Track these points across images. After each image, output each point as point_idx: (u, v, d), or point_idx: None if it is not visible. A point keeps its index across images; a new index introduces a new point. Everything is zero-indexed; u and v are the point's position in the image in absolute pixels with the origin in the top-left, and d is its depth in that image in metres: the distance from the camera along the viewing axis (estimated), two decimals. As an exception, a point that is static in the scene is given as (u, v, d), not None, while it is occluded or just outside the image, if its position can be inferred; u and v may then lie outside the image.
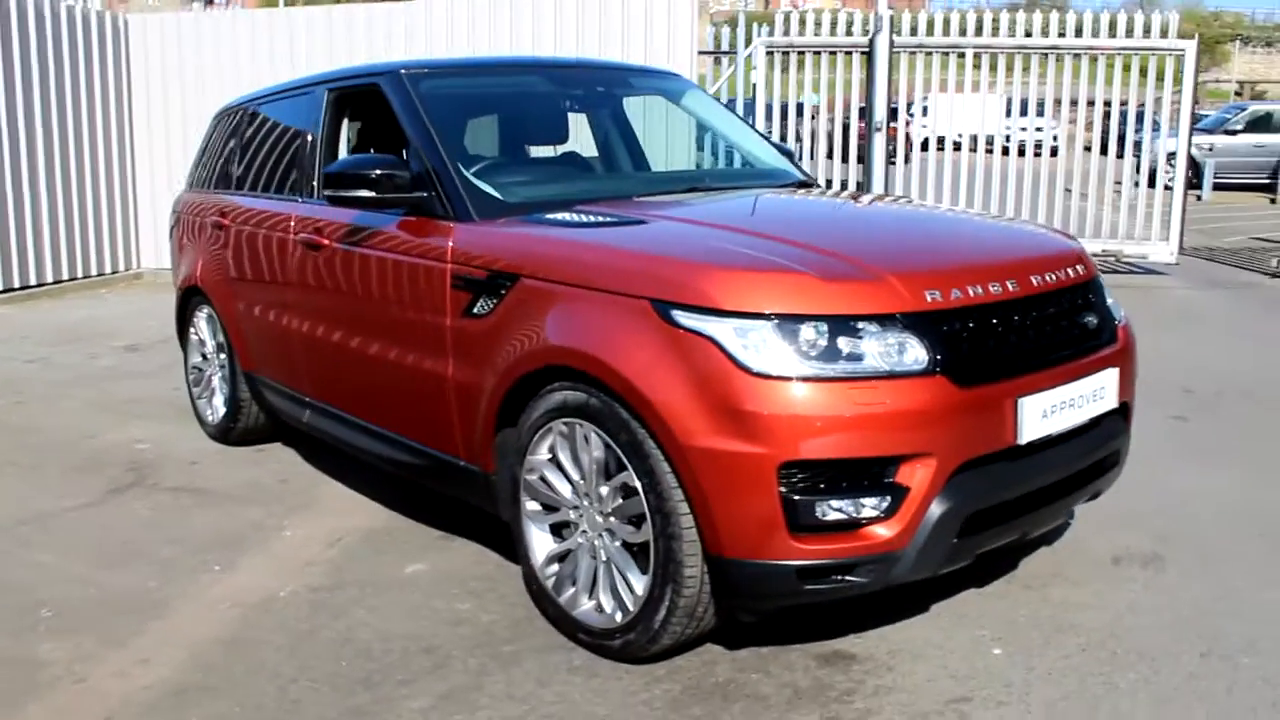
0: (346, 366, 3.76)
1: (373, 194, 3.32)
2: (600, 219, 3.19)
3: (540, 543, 3.06)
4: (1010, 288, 2.78)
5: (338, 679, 2.83)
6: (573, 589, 2.96)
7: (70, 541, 3.84)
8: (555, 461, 2.95)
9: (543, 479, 3.00)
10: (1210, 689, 2.66)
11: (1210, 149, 18.05)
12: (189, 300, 5.04)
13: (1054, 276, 2.92)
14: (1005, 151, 10.87)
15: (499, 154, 3.99)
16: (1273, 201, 17.40)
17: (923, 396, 2.53)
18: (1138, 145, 10.93)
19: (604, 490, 2.82)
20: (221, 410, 4.85)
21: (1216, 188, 17.62)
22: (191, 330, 5.07)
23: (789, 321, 2.52)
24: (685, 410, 2.54)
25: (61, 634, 3.12)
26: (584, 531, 2.91)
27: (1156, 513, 3.77)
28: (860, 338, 2.54)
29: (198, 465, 4.70)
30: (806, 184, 4.20)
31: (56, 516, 4.09)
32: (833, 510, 2.52)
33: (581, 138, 4.54)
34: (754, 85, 10.12)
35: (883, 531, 2.54)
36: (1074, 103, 11.51)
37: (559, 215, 3.22)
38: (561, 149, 4.32)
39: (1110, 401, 2.99)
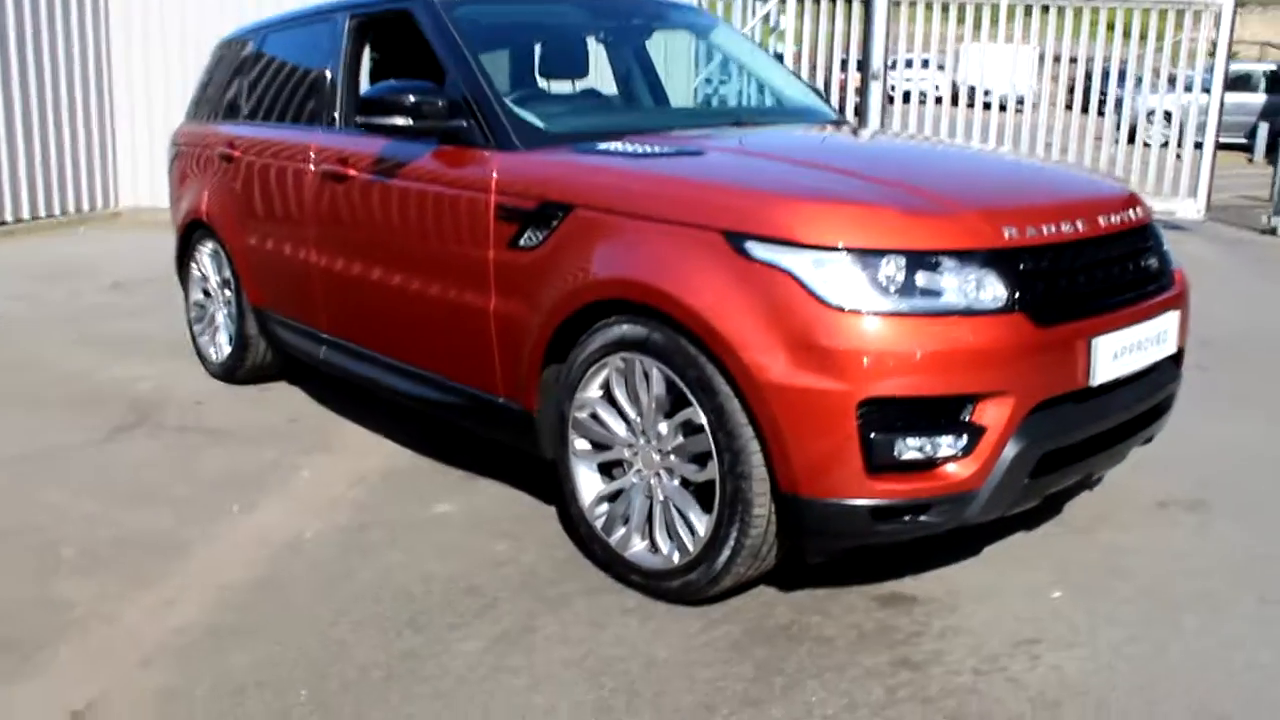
0: (371, 301, 3.62)
1: (409, 122, 3.17)
2: (657, 149, 3.06)
3: (589, 483, 2.96)
4: (1080, 227, 2.70)
5: (382, 621, 2.73)
6: (624, 529, 2.88)
7: (80, 479, 3.70)
8: (609, 398, 2.85)
9: (594, 416, 2.90)
10: (1275, 635, 2.63)
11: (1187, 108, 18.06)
12: (191, 234, 4.85)
13: (1119, 218, 2.85)
14: (986, 106, 10.81)
15: (532, 84, 3.84)
16: (1250, 160, 17.49)
17: (1002, 335, 2.46)
18: (1119, 102, 10.93)
19: (663, 428, 2.73)
20: (226, 348, 4.69)
21: (1195, 146, 17.66)
22: (193, 265, 4.89)
23: (870, 255, 2.42)
24: (760, 345, 2.44)
25: (84, 573, 2.99)
26: (638, 470, 2.82)
27: (1194, 459, 3.74)
28: (940, 273, 2.45)
29: (203, 404, 4.55)
30: (839, 122, 4.10)
31: (62, 454, 3.94)
32: (910, 449, 2.44)
33: (603, 71, 4.40)
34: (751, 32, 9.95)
35: (958, 471, 2.47)
36: (1075, 59, 11.46)
37: (611, 145, 3.09)
38: (585, 82, 4.17)
39: (1171, 346, 2.94)
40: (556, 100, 3.85)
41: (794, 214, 2.48)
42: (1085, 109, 11.15)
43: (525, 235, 2.99)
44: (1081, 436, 2.68)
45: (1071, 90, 12.41)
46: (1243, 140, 18.20)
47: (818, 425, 2.41)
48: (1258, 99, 19.02)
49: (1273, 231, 9.68)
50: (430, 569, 3.01)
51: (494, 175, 3.08)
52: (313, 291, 3.93)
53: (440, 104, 3.19)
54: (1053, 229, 2.63)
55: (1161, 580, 2.90)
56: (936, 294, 2.44)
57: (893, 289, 2.42)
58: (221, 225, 4.51)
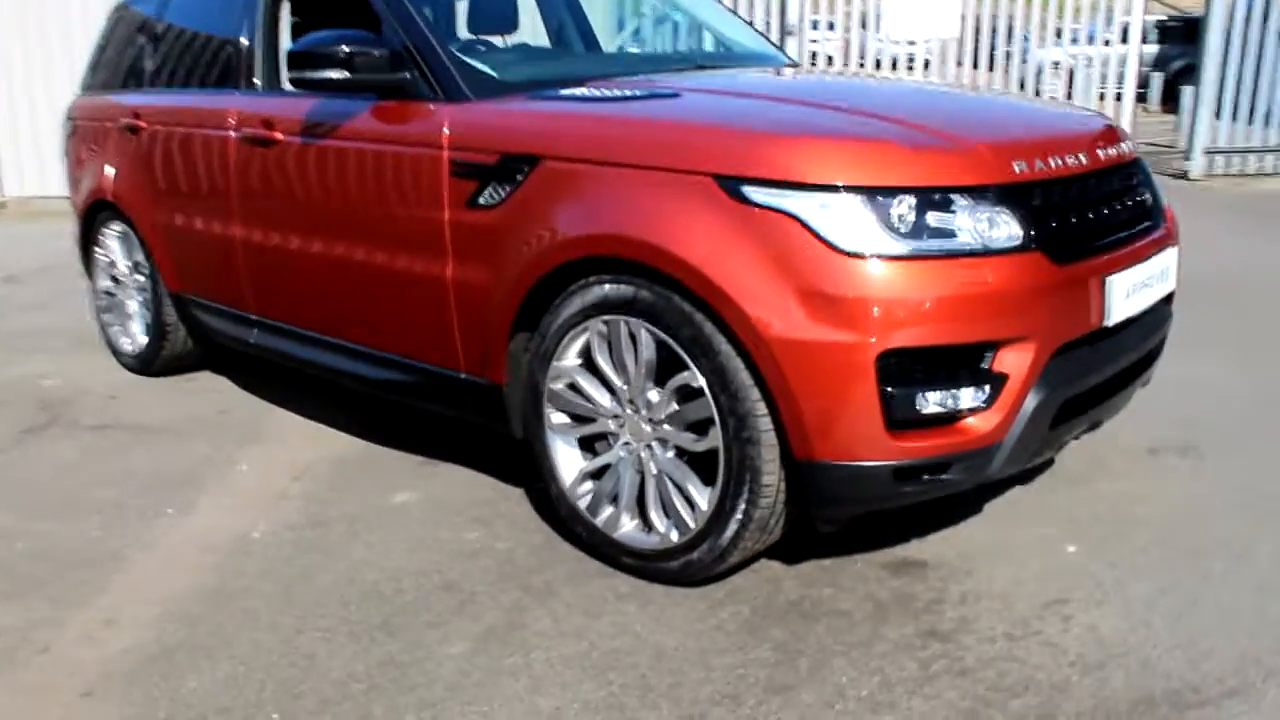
0: (309, 277, 3.30)
1: (345, 75, 2.86)
2: (629, 93, 2.81)
3: (569, 460, 2.72)
4: (1084, 160, 2.54)
5: (353, 626, 2.46)
6: (612, 509, 2.65)
7: (-12, 490, 3.32)
8: (590, 366, 2.61)
9: (573, 387, 2.65)
10: (1299, 574, 2.54)
11: (1089, 61, 18.40)
12: (95, 217, 4.42)
13: (1115, 151, 2.70)
14: (878, 65, 10.73)
15: (469, 34, 3.55)
16: (1146, 111, 17.89)
17: (1022, 275, 2.29)
18: (1008, 57, 10.97)
19: (653, 395, 2.50)
20: (142, 337, 4.29)
21: (1115, 98, 18.02)
22: (99, 250, 4.47)
23: (881, 194, 2.22)
24: (766, 298, 2.22)
25: (5, 597, 2.65)
26: (626, 444, 2.59)
27: (1172, 402, 3.66)
28: (954, 212, 2.26)
29: (118, 399, 4.16)
30: (796, 65, 3.90)
31: (-36, 464, 3.55)
32: (932, 403, 2.26)
33: (533, 27, 4.14)
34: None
35: (980, 424, 2.30)
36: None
37: (576, 91, 2.83)
38: (515, 37, 3.90)
39: (1171, 283, 2.81)
40: (501, 51, 3.57)
41: (796, 153, 2.27)
42: (975, 64, 11.14)
43: (485, 193, 2.72)
44: (1097, 381, 2.53)
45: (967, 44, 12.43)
46: (1138, 90, 18.60)
47: (835, 382, 2.21)
48: (1150, 49, 19.47)
49: (1184, 175, 9.83)
50: (398, 565, 2.74)
51: (445, 129, 2.79)
52: (240, 271, 3.59)
53: (379, 54, 2.88)
54: (1060, 162, 2.46)
55: (1174, 528, 2.78)
56: (952, 234, 2.25)
57: (908, 230, 2.22)
58: (130, 204, 4.11)
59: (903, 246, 2.21)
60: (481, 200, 2.73)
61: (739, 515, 2.37)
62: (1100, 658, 2.21)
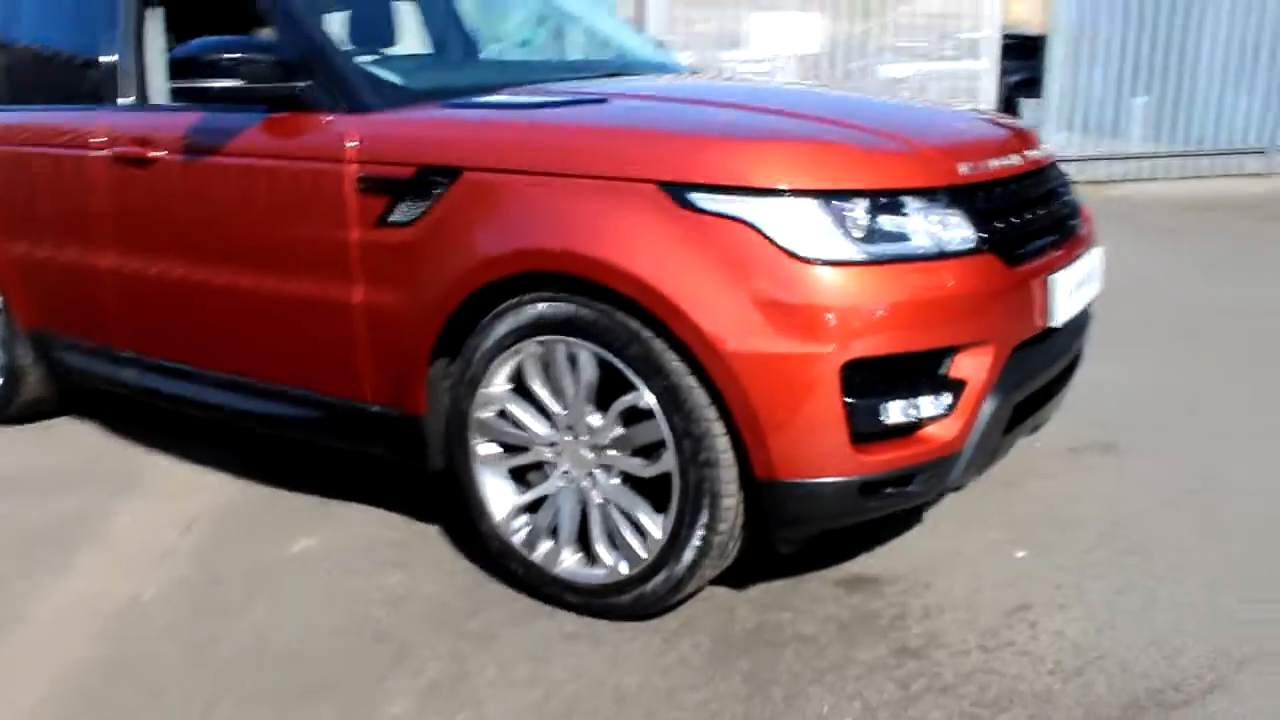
0: (193, 307, 3.01)
1: (235, 84, 2.62)
2: (553, 100, 2.65)
3: (500, 493, 2.53)
4: (1017, 161, 2.52)
5: (275, 692, 2.21)
6: (551, 543, 2.47)
7: None
8: (522, 391, 2.43)
9: (503, 415, 2.47)
10: (1244, 572, 2.55)
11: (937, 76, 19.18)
12: (-72, 249, 3.96)
13: (1038, 153, 2.70)
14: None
15: (363, 43, 3.32)
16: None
17: (977, 278, 2.23)
18: (858, 73, 11.23)
19: (595, 420, 2.34)
20: (-10, 383, 3.87)
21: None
22: (-66, 288, 4.01)
23: (837, 198, 2.13)
24: (720, 310, 2.10)
25: None
26: (565, 472, 2.42)
27: (1081, 401, 3.71)
28: (908, 215, 2.19)
29: (-35, 453, 3.74)
30: (700, 73, 3.81)
31: None
32: (895, 413, 2.17)
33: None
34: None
35: (941, 432, 2.23)
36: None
37: (494, 99, 2.66)
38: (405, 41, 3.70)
39: (1099, 283, 2.82)
40: (399, 59, 3.36)
41: (747, 156, 2.16)
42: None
43: (398, 209, 2.51)
44: (1041, 383, 2.51)
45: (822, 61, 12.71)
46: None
47: (797, 396, 2.10)
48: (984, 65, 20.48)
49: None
50: (313, 620, 2.49)
51: (350, 142, 2.57)
52: (110, 304, 3.25)
53: (270, 61, 2.65)
54: (997, 163, 2.43)
55: (1113, 527, 2.78)
56: (907, 238, 2.18)
57: (864, 235, 2.14)
58: (-28, 234, 3.70)
59: (861, 251, 2.12)
60: (394, 218, 2.52)
61: (696, 541, 2.24)
62: (1077, 663, 2.16)
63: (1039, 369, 2.47)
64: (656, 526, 2.29)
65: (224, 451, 3.53)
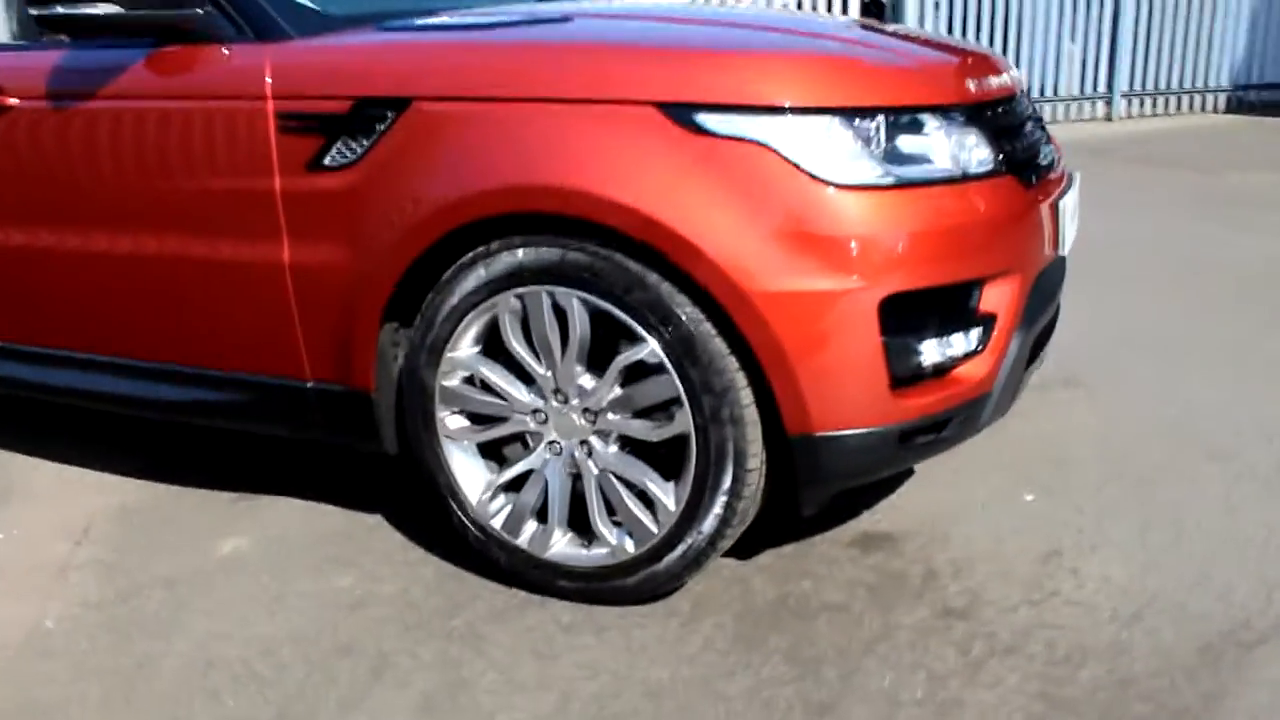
0: (74, 282, 2.54)
1: (115, 10, 2.19)
2: (509, 19, 2.30)
3: (472, 472, 2.22)
4: (1007, 81, 2.34)
5: (234, 725, 1.86)
6: (537, 525, 2.18)
7: None
8: (496, 353, 2.12)
9: (473, 381, 2.15)
10: (1254, 490, 2.47)
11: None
12: None
13: (1013, 77, 2.53)
14: None
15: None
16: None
17: (1001, 201, 2.04)
18: None
19: (586, 381, 2.05)
20: None
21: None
22: None
23: (861, 116, 1.89)
24: (742, 245, 1.84)
25: None
26: (552, 443, 2.12)
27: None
28: (928, 135, 1.97)
29: None
30: None
31: None
32: (933, 352, 1.97)
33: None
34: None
35: (973, 371, 2.04)
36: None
37: (439, 20, 2.30)
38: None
39: (1079, 212, 2.69)
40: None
41: (759, 71, 1.89)
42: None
43: (333, 151, 2.14)
44: (1049, 317, 2.36)
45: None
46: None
47: (835, 339, 1.86)
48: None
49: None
50: (263, 632, 2.13)
51: (267, 74, 2.18)
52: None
53: (159, -18, 2.22)
54: (996, 82, 2.24)
55: (1109, 461, 2.68)
56: (930, 160, 1.96)
57: (889, 157, 1.91)
58: None
59: (889, 175, 1.89)
60: (328, 161, 2.15)
61: (718, 509, 1.98)
62: (1133, 609, 2.02)
63: (1049, 301, 2.32)
64: (669, 496, 2.02)
65: (113, 446, 3.07)
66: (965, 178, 1.99)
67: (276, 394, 2.38)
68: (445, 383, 2.16)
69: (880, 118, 1.91)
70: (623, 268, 1.92)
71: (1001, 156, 2.08)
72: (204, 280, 2.35)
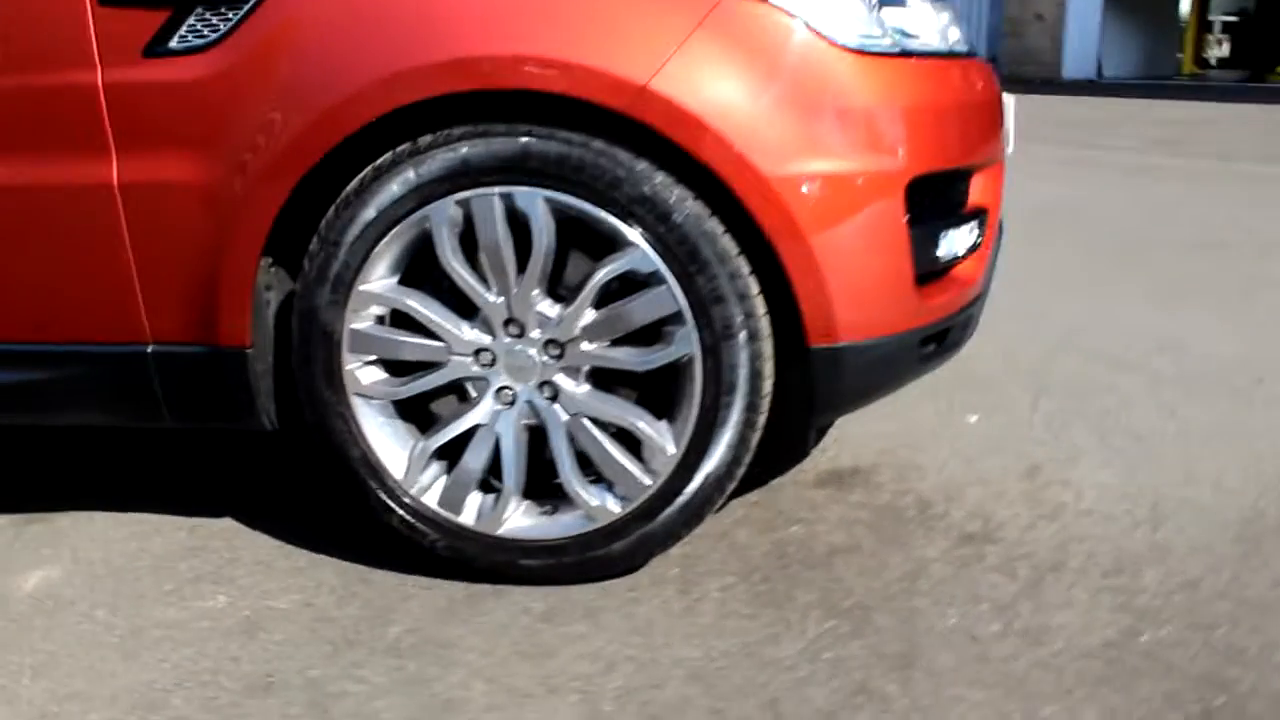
0: None
1: None
2: None
3: (394, 437, 1.76)
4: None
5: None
6: (480, 495, 1.76)
7: None
8: (418, 282, 1.69)
9: (392, 319, 1.70)
10: (1188, 372, 2.47)
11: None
12: None
13: None
14: None
15: None
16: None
17: (983, 84, 1.87)
18: None
19: (548, 307, 1.65)
20: None
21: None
22: None
23: (861, -26, 1.63)
24: (756, 120, 1.52)
25: None
26: (503, 389, 1.71)
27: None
28: (908, 5, 1.75)
29: None
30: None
31: None
32: (946, 245, 1.75)
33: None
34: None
35: (971, 271, 1.86)
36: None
37: None
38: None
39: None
40: None
41: (766, -86, 1.58)
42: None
43: (184, 27, 1.61)
44: (993, 220, 2.22)
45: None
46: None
47: (864, 227, 1.59)
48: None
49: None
50: (131, 682, 1.56)
51: (76, -79, 1.61)
52: None
53: None
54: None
55: (1031, 377, 2.62)
56: (921, 33, 1.74)
57: (891, 25, 1.67)
58: None
59: (896, 43, 1.65)
60: (174, 43, 1.62)
61: (726, 447, 1.65)
62: (1145, 512, 1.91)
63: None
64: (665, 437, 1.67)
65: None
66: (951, 54, 1.80)
67: (107, 366, 1.79)
68: (355, 325, 1.69)
69: (879, -19, 1.66)
70: (605, 155, 1.55)
71: (963, 36, 1.90)
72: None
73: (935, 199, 1.71)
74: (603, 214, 1.58)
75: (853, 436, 2.28)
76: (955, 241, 1.77)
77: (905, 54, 1.66)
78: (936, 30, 1.77)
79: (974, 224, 1.82)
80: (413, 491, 1.75)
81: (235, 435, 2.54)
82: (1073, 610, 1.60)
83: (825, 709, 1.41)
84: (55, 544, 1.99)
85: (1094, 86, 14.27)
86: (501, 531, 1.74)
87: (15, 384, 1.83)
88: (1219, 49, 16.81)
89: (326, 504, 2.11)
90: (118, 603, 1.78)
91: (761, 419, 1.67)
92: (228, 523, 2.04)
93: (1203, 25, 15.53)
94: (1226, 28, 17.20)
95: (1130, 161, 6.44)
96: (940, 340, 1.79)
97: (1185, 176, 6.00)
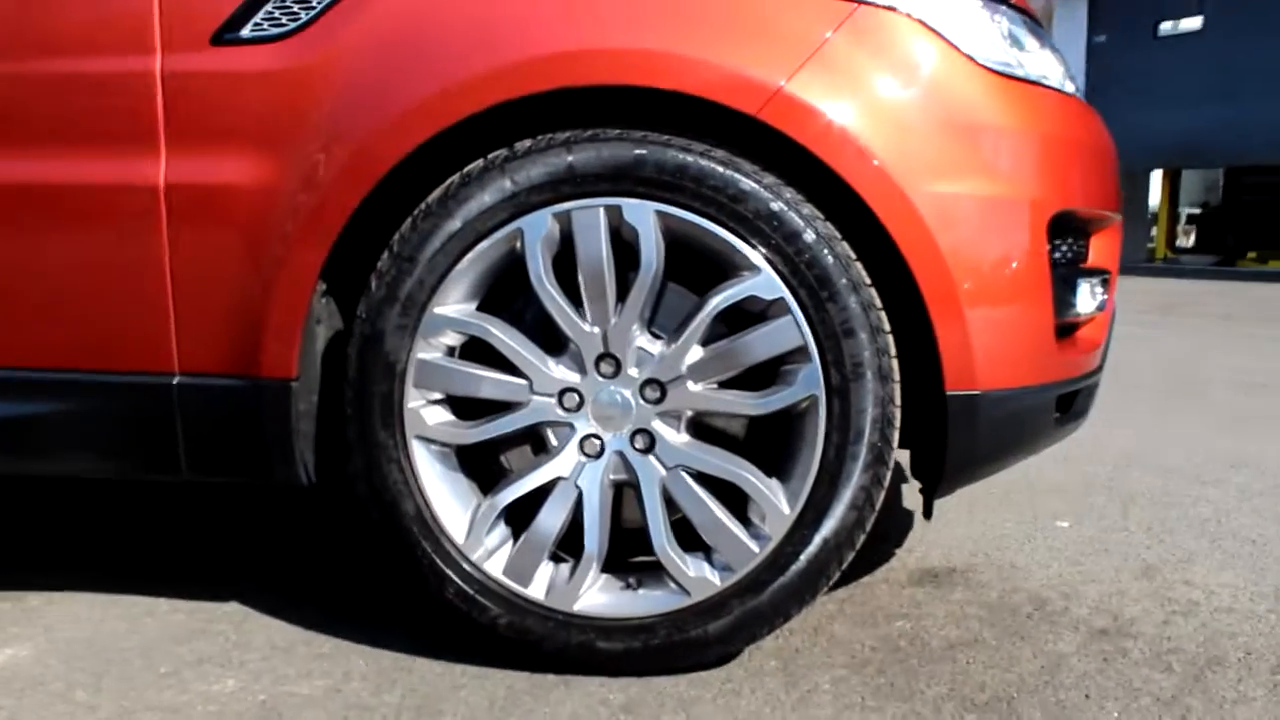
0: None
1: None
2: None
3: (451, 494, 1.51)
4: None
5: None
6: (552, 566, 1.51)
7: None
8: (495, 309, 1.49)
9: (458, 351, 1.49)
10: (1251, 492, 2.30)
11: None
12: None
13: None
14: None
15: None
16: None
17: (1103, 130, 1.75)
18: None
19: (648, 341, 1.45)
20: None
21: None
22: None
23: (995, 7, 1.53)
24: (902, 136, 1.38)
25: None
26: (589, 437, 1.48)
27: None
28: (1032, 38, 1.64)
29: None
30: None
31: None
32: (1081, 300, 1.60)
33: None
34: None
35: (1094, 335, 1.70)
36: None
37: None
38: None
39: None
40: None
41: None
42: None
43: (260, 14, 1.46)
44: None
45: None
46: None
47: (1008, 261, 1.43)
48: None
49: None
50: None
51: (147, -100, 1.47)
52: None
53: None
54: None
55: (1111, 490, 2.41)
56: (1049, 74, 1.63)
57: (1020, 50, 1.56)
58: None
59: (1031, 72, 1.54)
60: (248, 30, 1.46)
61: (850, 504, 1.43)
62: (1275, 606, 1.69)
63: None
64: (778, 495, 1.45)
65: None
66: (1062, 91, 1.68)
67: (107, 400, 1.54)
68: (423, 355, 1.47)
69: (1005, 9, 1.56)
70: (730, 165, 1.39)
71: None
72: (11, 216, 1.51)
73: (1071, 243, 1.57)
74: (722, 232, 1.40)
75: (937, 539, 2.06)
76: (1084, 297, 1.62)
77: (1046, 86, 1.55)
78: (1060, 74, 1.67)
79: (1098, 283, 1.67)
80: (473, 557, 1.49)
81: (237, 499, 2.27)
82: (1252, 707, 1.37)
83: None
84: (25, 622, 1.68)
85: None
86: (578, 607, 1.48)
87: (14, 419, 1.56)
88: (1186, 239, 17.72)
89: (351, 579, 1.84)
90: (101, 684, 1.48)
91: (888, 475, 1.46)
92: (233, 606, 1.75)
93: (1173, 216, 16.45)
94: (1192, 219, 18.13)
95: (1136, 318, 6.48)
96: (1069, 405, 1.62)
97: (1196, 331, 6.04)
